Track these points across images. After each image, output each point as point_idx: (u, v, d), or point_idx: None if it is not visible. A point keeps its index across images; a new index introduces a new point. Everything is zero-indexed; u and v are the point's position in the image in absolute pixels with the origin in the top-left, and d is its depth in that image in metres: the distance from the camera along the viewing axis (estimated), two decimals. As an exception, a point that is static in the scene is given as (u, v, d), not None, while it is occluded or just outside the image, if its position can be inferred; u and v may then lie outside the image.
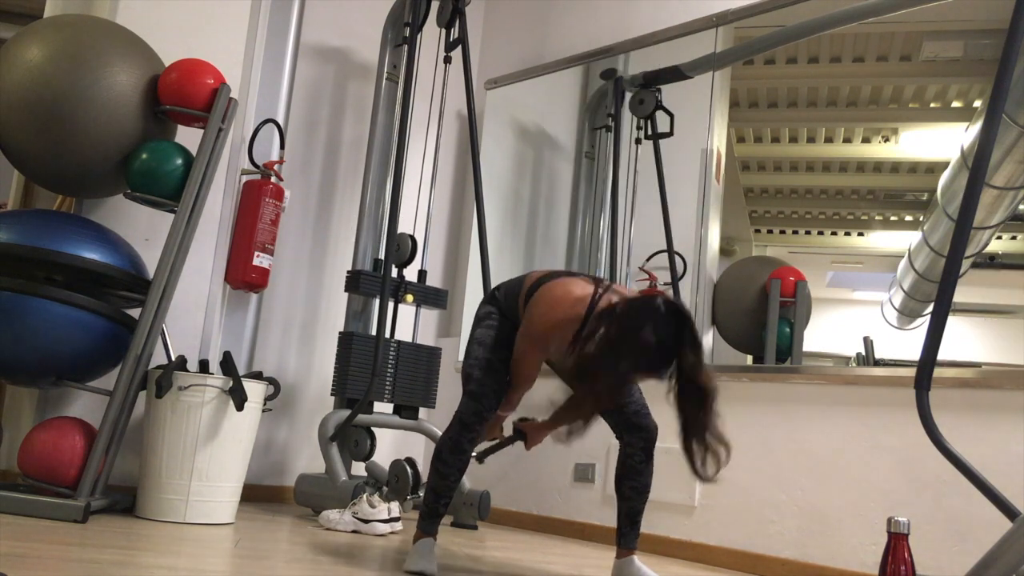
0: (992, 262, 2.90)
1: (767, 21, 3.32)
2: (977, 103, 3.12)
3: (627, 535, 2.26)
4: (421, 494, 3.21)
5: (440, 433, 3.46)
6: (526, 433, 2.41)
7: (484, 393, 2.16)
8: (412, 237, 3.53)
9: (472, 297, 4.07)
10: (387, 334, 3.44)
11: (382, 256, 3.55)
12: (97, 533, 2.18)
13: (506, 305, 2.28)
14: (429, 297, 3.60)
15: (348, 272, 3.45)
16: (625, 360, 1.92)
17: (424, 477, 3.29)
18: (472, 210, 4.22)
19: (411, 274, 3.68)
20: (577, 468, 3.47)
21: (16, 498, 2.35)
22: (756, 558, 2.86)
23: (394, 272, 3.50)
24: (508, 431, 2.46)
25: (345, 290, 3.44)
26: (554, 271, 2.24)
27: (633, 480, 2.25)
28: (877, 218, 3.33)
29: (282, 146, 3.42)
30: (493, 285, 3.55)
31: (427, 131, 4.04)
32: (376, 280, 3.41)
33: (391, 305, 3.49)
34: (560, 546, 3.07)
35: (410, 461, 3.15)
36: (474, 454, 2.31)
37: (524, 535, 3.34)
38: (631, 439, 2.25)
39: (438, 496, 2.20)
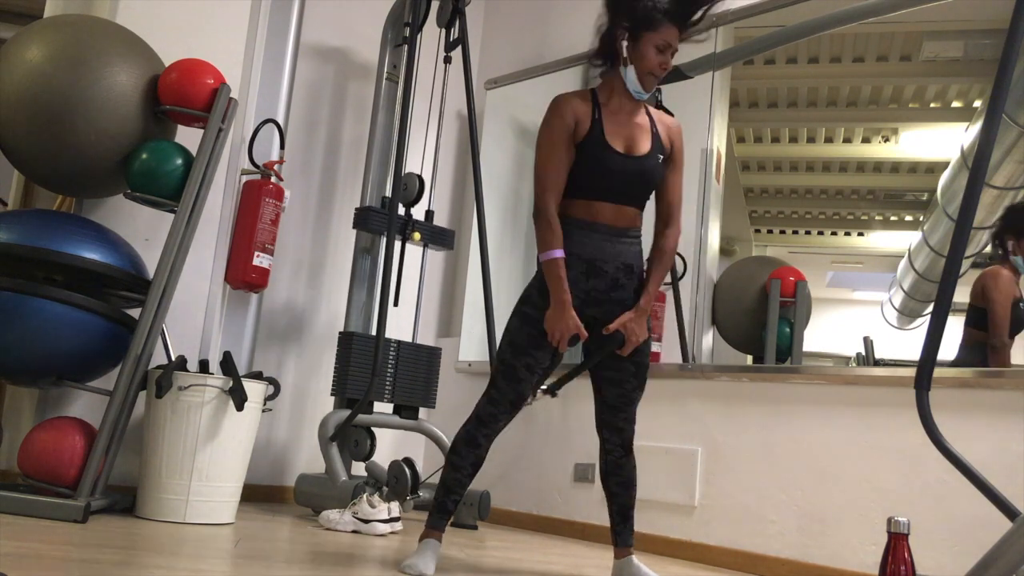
0: (991, 262, 2.90)
1: (767, 21, 3.32)
2: (977, 103, 3.12)
3: (622, 532, 2.27)
4: (421, 494, 3.21)
5: (441, 434, 3.48)
6: (624, 332, 2.15)
7: (501, 401, 2.16)
8: (420, 177, 3.52)
9: (472, 297, 4.07)
10: (390, 317, 3.43)
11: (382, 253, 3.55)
12: (97, 533, 2.18)
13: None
14: (436, 236, 3.58)
15: (357, 209, 3.46)
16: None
17: (423, 477, 3.29)
18: (472, 210, 4.22)
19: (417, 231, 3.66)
20: (577, 468, 3.47)
21: (16, 498, 2.35)
22: (756, 558, 2.86)
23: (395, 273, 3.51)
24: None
25: (354, 226, 3.45)
26: None
27: (617, 475, 2.26)
28: (877, 218, 3.33)
29: (282, 146, 3.42)
30: (493, 286, 3.55)
31: (427, 131, 4.04)
32: (384, 217, 3.41)
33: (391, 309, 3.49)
34: (560, 546, 3.07)
35: (408, 461, 3.15)
36: (544, 387, 2.28)
37: (524, 535, 3.34)
38: (609, 435, 2.26)
39: (448, 490, 2.19)
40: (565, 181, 2.16)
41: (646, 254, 2.26)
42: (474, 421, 2.18)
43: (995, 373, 2.57)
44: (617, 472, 2.26)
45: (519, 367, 2.14)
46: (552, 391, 2.32)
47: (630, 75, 2.14)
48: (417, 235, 3.49)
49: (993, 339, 2.75)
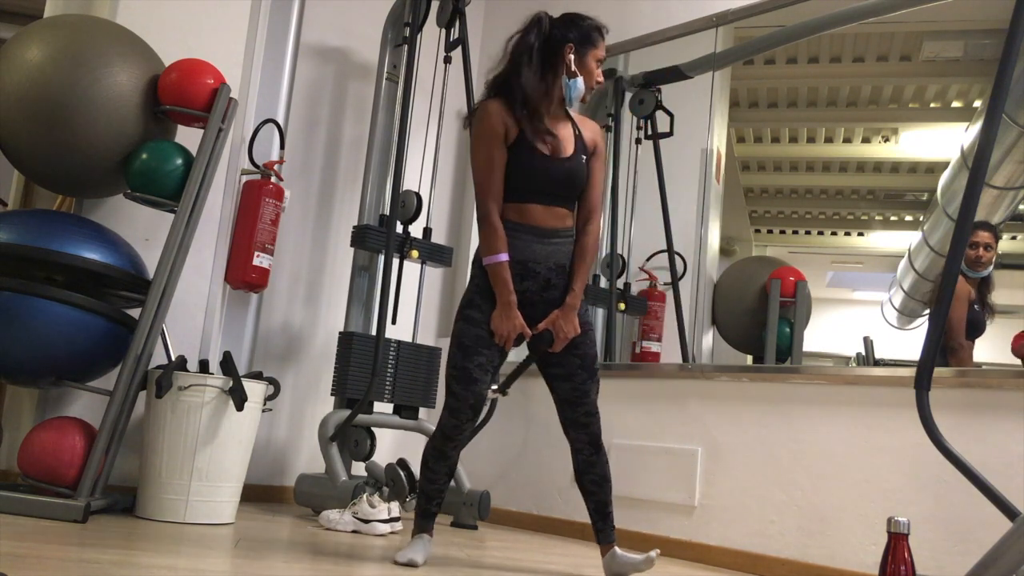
0: (992, 262, 2.90)
1: (767, 21, 3.32)
2: (977, 103, 3.12)
3: (603, 530, 2.31)
4: (421, 494, 3.22)
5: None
6: (552, 330, 2.23)
7: (461, 408, 2.19)
8: (417, 194, 3.52)
9: (472, 297, 4.07)
10: (388, 327, 3.43)
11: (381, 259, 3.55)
12: (97, 533, 2.19)
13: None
14: (434, 254, 3.59)
15: (354, 227, 3.46)
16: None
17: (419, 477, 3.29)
18: (472, 209, 4.21)
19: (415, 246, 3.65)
20: (577, 468, 3.47)
21: (16, 498, 2.35)
22: (756, 558, 2.86)
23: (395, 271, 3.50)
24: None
25: (351, 244, 3.45)
26: None
27: (590, 473, 2.30)
28: (877, 218, 3.33)
29: (282, 146, 3.42)
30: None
31: (427, 131, 4.04)
32: (381, 235, 3.42)
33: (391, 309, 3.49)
34: (560, 546, 3.07)
35: (402, 463, 3.14)
36: (494, 387, 2.36)
37: (524, 535, 3.34)
38: (575, 434, 2.30)
39: (429, 499, 2.31)
40: (502, 185, 2.23)
41: None
42: (439, 436, 2.25)
43: (995, 373, 2.57)
44: (590, 470, 2.29)
45: (472, 368, 2.19)
46: (503, 390, 2.45)
47: (578, 85, 2.25)
48: (415, 253, 3.50)
49: (951, 341, 2.80)
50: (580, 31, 2.27)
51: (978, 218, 2.77)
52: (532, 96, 2.23)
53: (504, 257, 2.20)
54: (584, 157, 2.29)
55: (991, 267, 2.86)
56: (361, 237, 3.40)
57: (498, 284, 2.20)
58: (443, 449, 2.25)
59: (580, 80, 2.26)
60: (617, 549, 2.29)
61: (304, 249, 3.82)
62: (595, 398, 2.30)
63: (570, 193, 2.28)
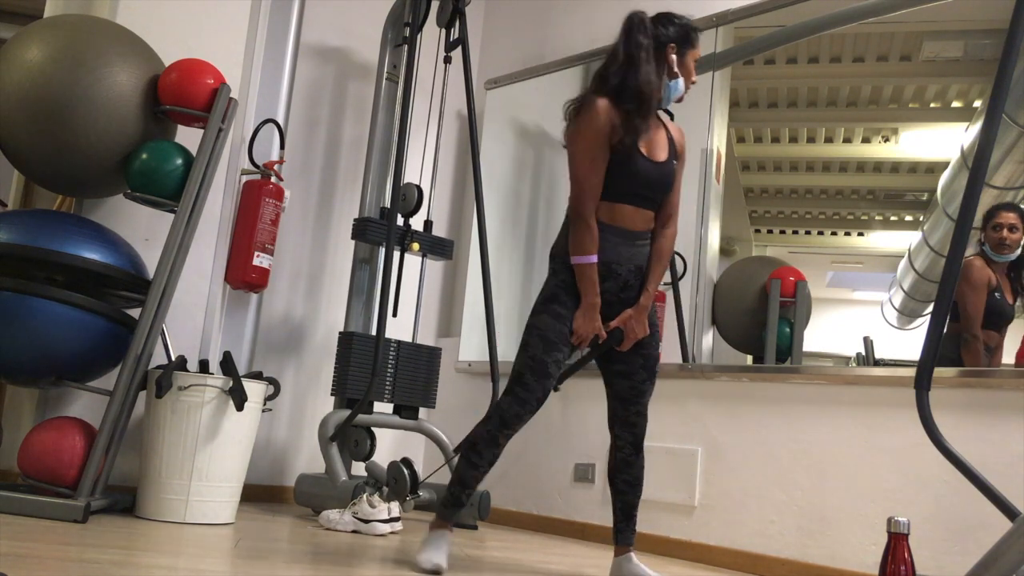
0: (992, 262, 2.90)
1: (767, 21, 3.32)
2: (977, 103, 3.12)
3: (624, 531, 2.29)
4: (421, 494, 3.22)
5: (441, 434, 3.48)
6: (624, 329, 2.23)
7: (529, 400, 2.16)
8: (418, 187, 3.52)
9: (472, 297, 4.07)
10: (389, 321, 3.44)
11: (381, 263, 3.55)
12: (97, 533, 2.19)
13: (565, 240, 2.26)
14: (435, 246, 3.59)
15: (355, 220, 3.46)
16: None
17: (422, 476, 3.29)
18: (472, 210, 4.22)
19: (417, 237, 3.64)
20: (577, 468, 3.47)
21: (16, 498, 2.35)
22: (756, 558, 2.86)
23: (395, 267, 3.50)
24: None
25: (352, 237, 3.45)
26: None
27: (625, 473, 2.29)
28: (877, 218, 3.33)
29: (282, 146, 3.42)
30: (493, 285, 3.55)
31: (427, 131, 4.04)
32: (382, 228, 3.41)
33: (390, 310, 3.49)
34: (560, 546, 3.07)
35: (406, 462, 3.14)
36: None
37: (524, 535, 3.34)
38: (621, 433, 2.29)
39: (464, 486, 2.21)
40: (602, 185, 2.20)
41: None
42: (496, 421, 2.17)
43: (995, 373, 2.56)
44: (626, 470, 2.28)
45: (550, 363, 2.17)
46: (555, 386, 2.35)
47: (679, 86, 2.26)
48: (416, 245, 3.50)
49: (965, 332, 2.75)
50: (679, 30, 2.26)
51: (978, 218, 2.76)
52: (650, 96, 2.20)
53: (595, 258, 2.18)
54: (675, 162, 2.29)
55: (1019, 249, 2.76)
56: (362, 230, 3.41)
57: (585, 284, 2.18)
58: (497, 436, 2.17)
59: (681, 81, 2.26)
60: (633, 555, 2.28)
61: (304, 249, 3.82)
62: (648, 400, 2.29)
63: (659, 197, 2.27)
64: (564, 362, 2.21)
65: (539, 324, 2.20)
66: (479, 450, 2.19)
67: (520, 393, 2.16)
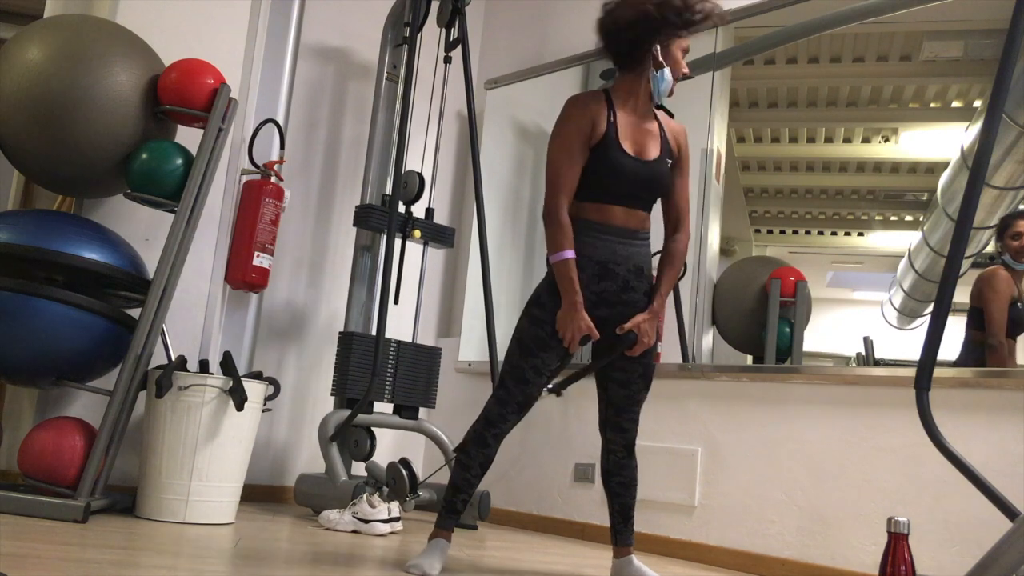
0: (992, 262, 2.90)
1: (767, 21, 3.32)
2: (977, 103, 3.12)
3: (622, 532, 2.27)
4: (421, 494, 3.21)
5: (441, 434, 3.48)
6: (637, 332, 2.18)
7: (509, 402, 2.16)
8: (420, 175, 3.52)
9: (472, 297, 4.07)
10: (389, 317, 3.44)
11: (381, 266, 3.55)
12: (97, 533, 2.18)
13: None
14: (436, 234, 3.59)
15: (357, 207, 3.46)
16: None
17: (421, 476, 3.29)
18: (472, 210, 4.22)
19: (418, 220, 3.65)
20: (577, 468, 3.47)
21: (16, 498, 2.35)
22: (756, 558, 2.86)
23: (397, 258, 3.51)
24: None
25: (354, 224, 3.45)
26: None
27: (619, 475, 2.27)
28: (877, 218, 3.33)
29: (282, 146, 3.42)
30: (493, 285, 3.55)
31: (427, 131, 4.04)
32: (384, 215, 3.42)
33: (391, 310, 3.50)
34: (560, 546, 3.07)
35: (404, 462, 3.14)
36: (549, 387, 2.27)
37: (524, 535, 3.34)
38: (613, 437, 2.27)
39: (457, 490, 2.18)
40: (577, 183, 2.17)
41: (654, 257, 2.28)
42: (482, 421, 2.18)
43: (995, 373, 2.57)
44: (619, 472, 2.26)
45: (527, 369, 2.15)
46: (557, 391, 2.32)
47: (666, 77, 2.18)
48: (417, 232, 3.50)
49: (990, 338, 2.75)
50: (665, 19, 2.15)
51: (978, 218, 2.76)
52: (614, 91, 2.18)
53: (570, 254, 2.11)
54: (669, 162, 2.24)
55: None
56: (364, 217, 3.41)
57: (564, 282, 2.11)
58: (484, 435, 2.15)
59: (667, 71, 2.18)
60: (633, 557, 2.26)
61: (304, 249, 3.82)
62: (640, 408, 2.27)
63: (651, 197, 2.23)
64: (547, 367, 2.16)
65: (519, 329, 2.19)
66: (468, 450, 2.18)
67: (501, 395, 2.17)
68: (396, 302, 3.52)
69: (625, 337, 2.16)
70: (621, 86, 2.24)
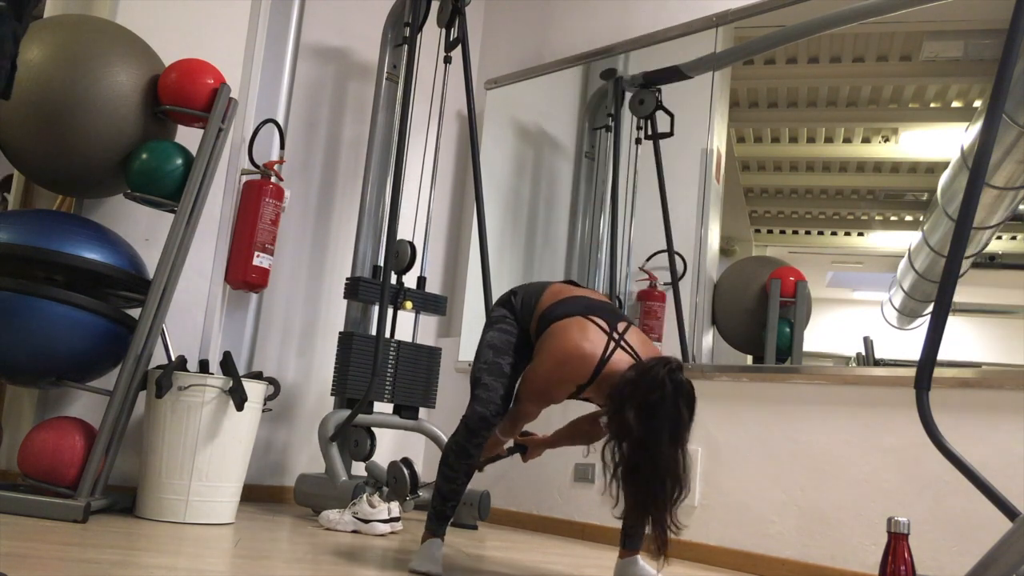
0: (992, 262, 2.90)
1: (767, 21, 3.32)
2: (977, 103, 3.12)
3: (633, 536, 2.27)
4: (421, 494, 3.21)
5: (441, 434, 3.48)
6: (527, 446, 2.51)
7: (491, 399, 2.17)
8: (411, 244, 3.52)
9: (472, 297, 4.07)
10: (387, 334, 3.44)
11: (381, 263, 3.55)
12: (97, 533, 2.18)
13: (521, 315, 2.29)
14: (428, 304, 3.60)
15: (347, 279, 3.45)
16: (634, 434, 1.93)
17: (422, 477, 3.29)
18: (472, 210, 4.22)
19: (411, 286, 3.67)
20: (577, 468, 3.47)
21: (16, 498, 2.35)
22: (756, 558, 2.86)
23: (393, 280, 3.50)
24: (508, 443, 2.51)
25: (345, 297, 3.44)
26: (573, 296, 2.20)
27: None
28: (877, 218, 3.33)
29: (282, 146, 3.42)
30: (493, 285, 3.56)
31: (427, 131, 4.04)
32: (375, 287, 3.41)
33: (390, 312, 3.50)
34: (560, 546, 3.07)
35: (406, 462, 3.15)
36: (510, 447, 2.46)
37: (524, 535, 3.33)
38: None
39: (445, 499, 2.20)
40: None
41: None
42: (463, 432, 2.18)
43: (995, 373, 2.56)
44: None
45: (503, 364, 2.21)
46: (480, 467, 2.39)
47: None
48: (409, 304, 3.50)
49: None
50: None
51: (978, 218, 2.76)
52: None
53: (509, 443, 2.46)
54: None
55: None
56: (354, 289, 3.40)
57: (491, 443, 2.40)
58: (465, 446, 2.17)
59: None
60: (639, 558, 2.27)
61: (304, 249, 3.82)
62: None
63: None
64: (515, 372, 2.23)
65: (487, 338, 2.27)
66: (450, 463, 2.19)
67: (482, 394, 2.18)
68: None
69: (516, 447, 2.49)
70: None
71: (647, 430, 1.88)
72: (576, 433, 2.48)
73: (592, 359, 2.04)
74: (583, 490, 3.44)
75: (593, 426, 2.42)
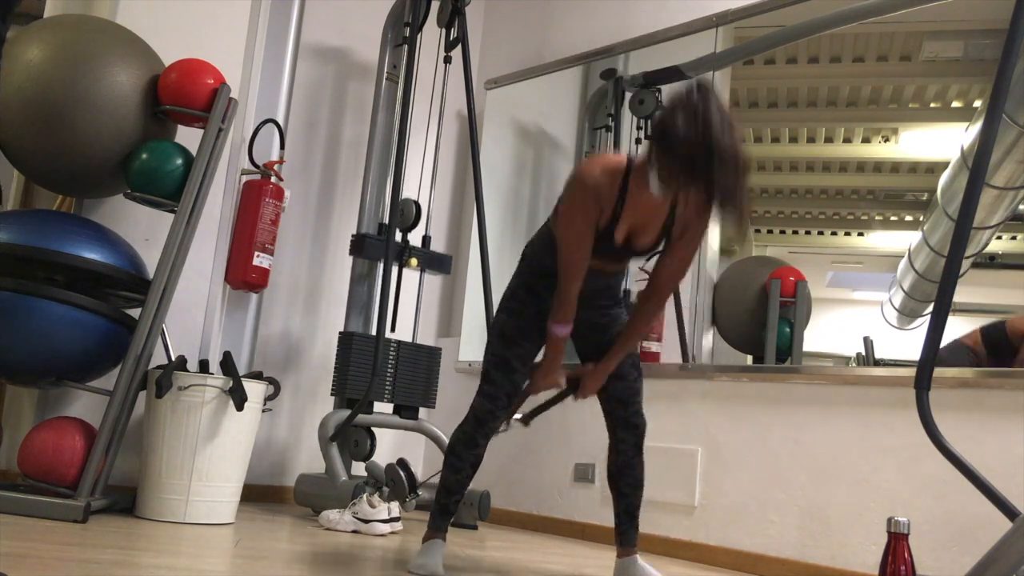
0: (992, 262, 2.90)
1: (767, 21, 3.31)
2: (977, 103, 3.12)
3: (627, 533, 2.27)
4: (420, 493, 3.21)
5: (441, 434, 3.48)
6: (580, 379, 2.24)
7: (498, 395, 2.17)
8: (416, 203, 3.51)
9: (472, 297, 4.07)
10: (387, 334, 3.44)
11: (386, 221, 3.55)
12: (97, 533, 2.19)
13: (538, 245, 2.22)
14: (434, 261, 3.59)
15: (353, 236, 3.45)
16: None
17: (420, 477, 3.29)
18: (472, 210, 4.22)
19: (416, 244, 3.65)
20: (577, 468, 3.47)
21: (16, 498, 2.35)
22: (756, 558, 2.86)
23: (398, 238, 3.51)
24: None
25: (350, 253, 3.44)
26: None
27: (628, 476, 2.27)
28: (877, 218, 3.33)
29: (282, 146, 3.42)
30: (493, 285, 3.55)
31: (427, 131, 4.04)
32: (380, 243, 3.42)
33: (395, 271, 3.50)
34: (560, 546, 3.07)
35: (402, 463, 3.14)
36: (518, 416, 2.33)
37: (524, 535, 3.34)
38: (624, 435, 2.27)
39: (449, 492, 2.20)
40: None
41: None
42: (471, 421, 2.19)
43: (995, 373, 2.56)
44: (629, 472, 2.27)
45: (512, 358, 2.18)
46: (526, 420, 2.37)
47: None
48: (414, 261, 3.51)
49: None
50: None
51: (978, 218, 2.76)
52: (636, 170, 2.01)
53: (567, 330, 2.12)
54: (660, 250, 2.15)
55: None
56: (360, 246, 3.40)
57: (553, 347, 2.14)
58: (473, 436, 2.17)
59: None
60: (638, 557, 2.27)
61: (304, 249, 3.82)
62: (642, 397, 2.28)
63: (626, 266, 2.26)
64: (530, 356, 2.19)
65: (499, 322, 2.22)
66: (458, 452, 2.19)
67: (488, 390, 2.18)
68: (393, 330, 3.53)
69: (569, 387, 2.24)
70: (641, 168, 1.99)
71: (699, 123, 1.80)
72: (624, 335, 2.21)
73: (616, 158, 2.01)
74: (583, 490, 3.44)
75: (643, 305, 2.18)
